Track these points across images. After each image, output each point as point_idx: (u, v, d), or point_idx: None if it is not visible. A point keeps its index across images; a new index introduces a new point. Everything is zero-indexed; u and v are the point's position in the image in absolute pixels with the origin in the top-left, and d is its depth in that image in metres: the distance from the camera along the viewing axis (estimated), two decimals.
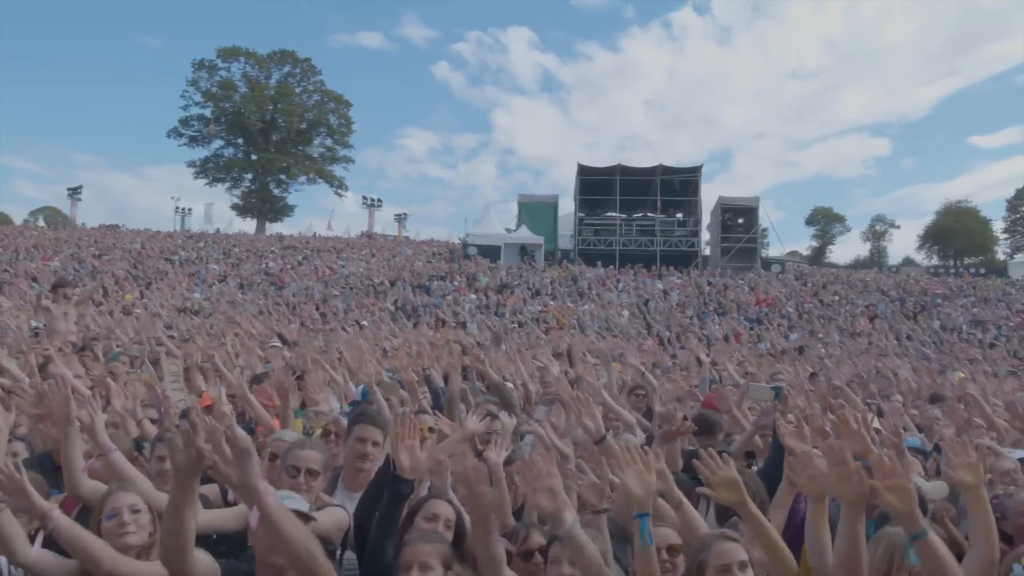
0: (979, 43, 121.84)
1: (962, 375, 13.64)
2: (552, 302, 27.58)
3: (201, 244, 37.63)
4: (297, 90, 64.23)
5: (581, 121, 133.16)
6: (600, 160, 51.05)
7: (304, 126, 64.10)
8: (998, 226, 69.82)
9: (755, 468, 4.71)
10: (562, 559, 3.05)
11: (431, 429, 5.08)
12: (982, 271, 42.31)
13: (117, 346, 10.36)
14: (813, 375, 11.83)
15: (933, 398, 9.21)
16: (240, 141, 63.58)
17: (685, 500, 3.29)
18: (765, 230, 41.40)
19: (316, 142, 65.82)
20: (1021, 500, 3.90)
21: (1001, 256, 64.54)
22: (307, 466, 3.62)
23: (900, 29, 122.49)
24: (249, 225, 59.85)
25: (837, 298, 29.89)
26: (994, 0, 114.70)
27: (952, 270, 46.71)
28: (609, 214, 40.26)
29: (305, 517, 2.79)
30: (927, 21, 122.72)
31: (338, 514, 3.42)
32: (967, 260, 61.27)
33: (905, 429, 6.68)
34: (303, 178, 65.00)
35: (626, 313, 26.16)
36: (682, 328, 23.84)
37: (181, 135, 63.01)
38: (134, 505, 2.92)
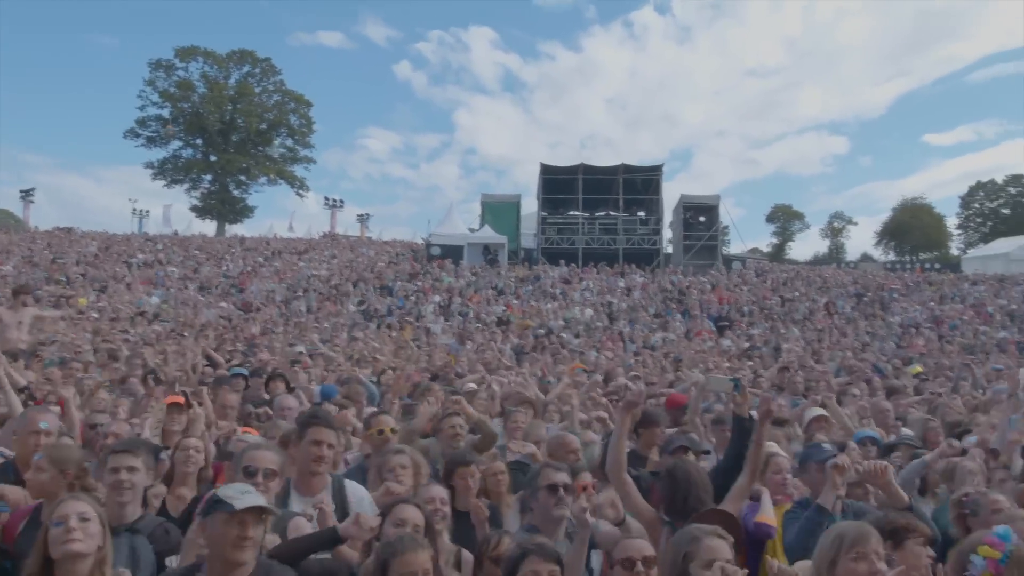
0: (932, 44, 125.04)
1: (918, 369, 13.96)
2: (515, 301, 27.55)
3: (159, 246, 36.95)
4: (257, 90, 63.46)
5: (543, 120, 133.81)
6: (562, 159, 51.33)
7: (264, 126, 63.29)
8: (952, 222, 71.90)
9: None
10: None
11: (393, 430, 5.08)
12: (937, 266, 43.26)
13: (76, 352, 10.19)
14: (784, 368, 11.99)
15: (889, 391, 9.44)
16: (199, 142, 62.56)
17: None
18: (726, 228, 41.90)
19: (276, 142, 65.16)
20: (993, 499, 4.06)
21: (955, 251, 66.27)
22: (265, 467, 3.52)
23: (856, 29, 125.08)
24: (209, 227, 58.90)
25: (797, 294, 30.29)
26: (946, 2, 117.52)
27: (908, 265, 47.74)
28: (572, 213, 40.32)
29: (263, 511, 2.71)
30: (882, 21, 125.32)
31: None
32: (923, 255, 62.71)
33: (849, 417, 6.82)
34: (263, 179, 64.10)
35: (589, 311, 26.21)
36: (646, 328, 23.98)
37: (138, 136, 61.90)
38: (83, 513, 2.82)
